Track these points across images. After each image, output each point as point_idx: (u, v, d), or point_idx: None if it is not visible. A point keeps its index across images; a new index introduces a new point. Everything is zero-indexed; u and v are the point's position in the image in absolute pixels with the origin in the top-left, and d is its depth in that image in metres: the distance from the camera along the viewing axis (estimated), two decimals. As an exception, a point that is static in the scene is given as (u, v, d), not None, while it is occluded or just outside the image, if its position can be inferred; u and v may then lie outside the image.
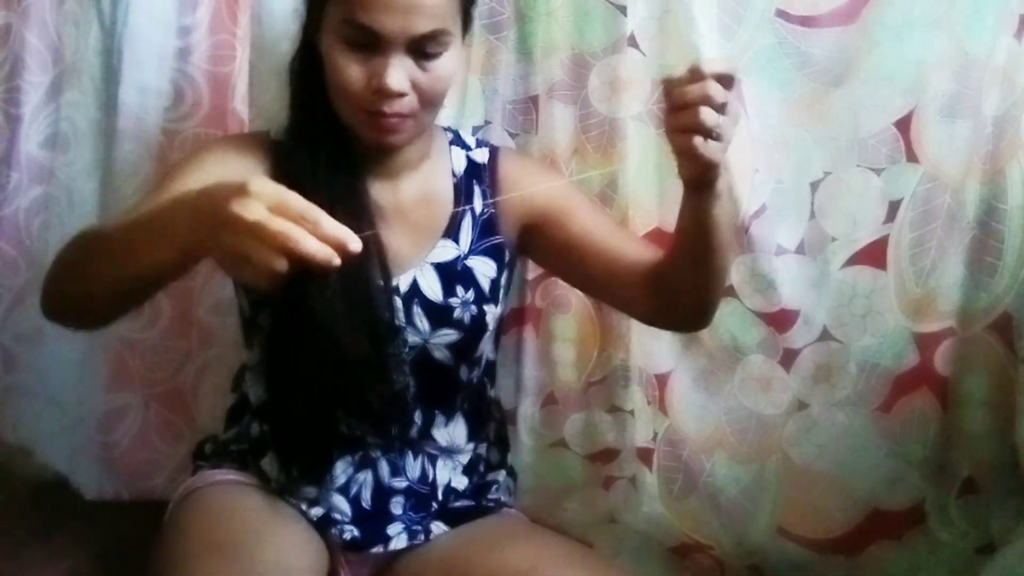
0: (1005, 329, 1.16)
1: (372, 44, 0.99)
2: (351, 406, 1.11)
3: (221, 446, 1.23)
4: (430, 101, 1.05)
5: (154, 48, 1.35)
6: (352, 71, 1.01)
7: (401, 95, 1.01)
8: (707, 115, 0.86)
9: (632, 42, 1.21)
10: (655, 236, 1.26)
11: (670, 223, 1.24)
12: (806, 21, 1.17)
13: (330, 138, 1.07)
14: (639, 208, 1.26)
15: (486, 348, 1.21)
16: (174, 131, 1.37)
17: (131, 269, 0.86)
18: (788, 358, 1.24)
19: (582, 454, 1.37)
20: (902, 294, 1.19)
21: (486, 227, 1.17)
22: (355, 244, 0.76)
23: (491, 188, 1.19)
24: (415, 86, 1.02)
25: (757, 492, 1.28)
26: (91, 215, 1.44)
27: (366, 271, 1.07)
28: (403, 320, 1.12)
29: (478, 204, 1.17)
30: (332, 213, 1.02)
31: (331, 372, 1.06)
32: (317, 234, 0.75)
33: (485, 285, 1.17)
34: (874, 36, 1.15)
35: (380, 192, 1.12)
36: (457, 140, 1.22)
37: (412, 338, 1.12)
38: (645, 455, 1.32)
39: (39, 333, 1.50)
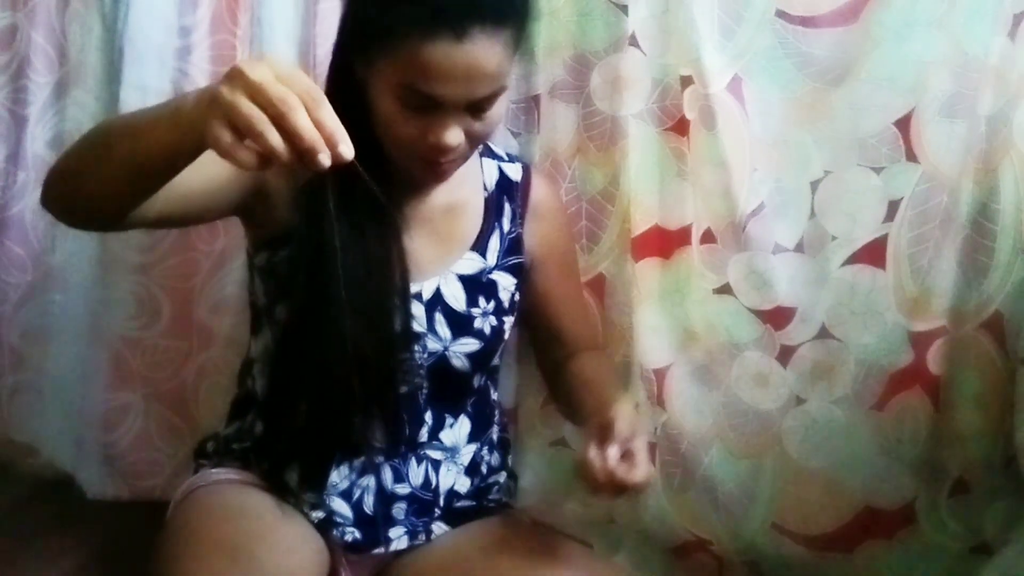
0: (997, 328, 1.16)
1: (430, 107, 0.98)
2: (357, 406, 1.10)
3: (223, 443, 1.22)
4: (482, 142, 1.08)
5: (155, 48, 1.36)
6: (407, 127, 1.00)
7: (458, 148, 1.02)
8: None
9: (633, 41, 1.22)
10: (654, 233, 1.27)
11: (669, 220, 1.27)
12: (806, 21, 1.18)
13: (361, 149, 1.07)
14: (639, 205, 1.26)
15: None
16: (176, 130, 1.38)
17: (133, 148, 0.84)
18: (785, 354, 1.24)
19: (582, 452, 1.36)
20: (900, 293, 1.19)
21: (512, 246, 1.19)
22: (346, 147, 0.74)
23: (522, 209, 1.20)
24: (468, 134, 1.02)
25: (753, 487, 1.28)
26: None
27: (386, 274, 1.08)
28: (425, 327, 1.12)
29: (507, 222, 1.19)
30: (360, 219, 1.05)
31: (341, 371, 1.05)
32: (314, 116, 0.73)
33: (505, 298, 1.17)
34: (874, 36, 1.15)
35: (408, 201, 1.13)
36: (488, 151, 1.22)
37: (432, 345, 1.12)
38: (649, 450, 1.31)
39: (45, 332, 1.52)
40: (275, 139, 0.72)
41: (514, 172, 1.22)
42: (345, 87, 1.05)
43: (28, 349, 1.53)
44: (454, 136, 1.00)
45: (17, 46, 1.46)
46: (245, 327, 1.26)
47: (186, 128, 0.79)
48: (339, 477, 1.14)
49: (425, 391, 1.14)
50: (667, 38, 1.22)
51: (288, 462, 1.13)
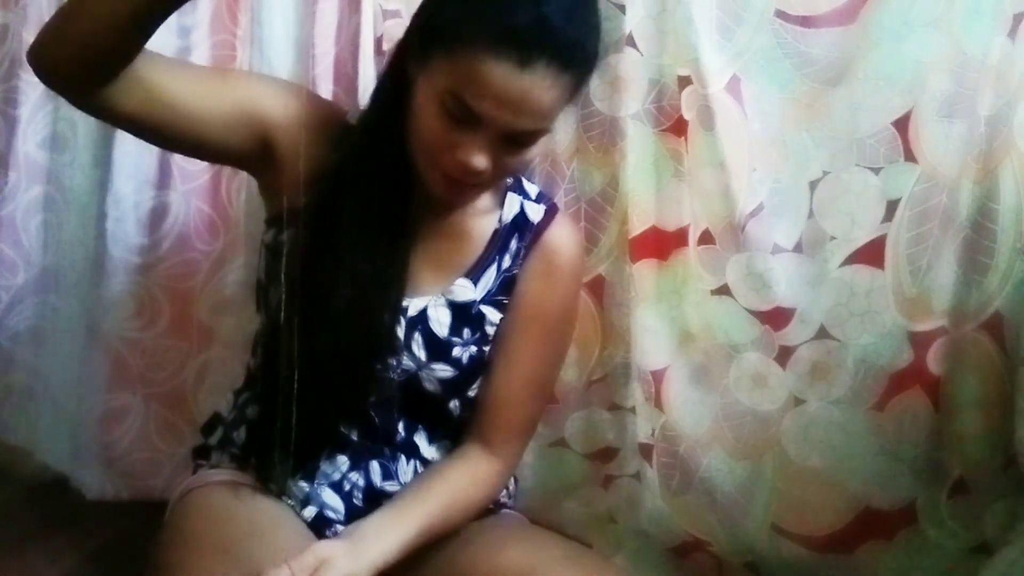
0: (996, 329, 1.16)
1: (470, 121, 0.97)
2: (329, 402, 1.11)
3: (224, 433, 1.22)
4: (507, 176, 1.07)
5: (155, 47, 1.32)
6: (440, 136, 0.99)
7: (482, 173, 1.00)
8: None
9: (630, 41, 1.21)
10: (651, 234, 1.27)
11: (666, 221, 1.27)
12: (805, 21, 1.17)
13: (395, 156, 1.06)
14: (636, 206, 1.26)
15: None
16: (174, 130, 1.37)
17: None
18: (784, 355, 1.24)
19: (582, 453, 1.37)
20: (899, 293, 1.19)
21: (505, 284, 1.16)
22: None
23: (527, 249, 1.17)
24: (496, 164, 1.00)
25: (752, 488, 1.28)
26: (90, 215, 1.44)
27: (385, 285, 1.08)
28: (401, 344, 1.11)
29: (507, 259, 1.16)
30: (375, 223, 1.06)
31: (316, 366, 1.06)
32: None
33: (490, 330, 1.16)
34: (873, 36, 1.15)
35: (422, 215, 1.12)
36: (517, 187, 1.19)
37: (406, 363, 1.12)
38: (646, 451, 1.32)
39: (38, 333, 1.52)
40: None
41: (534, 212, 1.18)
42: (394, 83, 1.05)
43: (20, 351, 1.53)
44: (481, 160, 0.99)
45: (8, 46, 1.45)
46: (245, 327, 1.26)
47: None
48: (331, 468, 1.15)
49: (397, 401, 1.13)
50: (664, 38, 1.21)
51: (277, 444, 1.13)
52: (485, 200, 1.15)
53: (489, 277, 1.15)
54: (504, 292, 1.16)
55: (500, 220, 1.17)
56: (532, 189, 1.21)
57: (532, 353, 1.17)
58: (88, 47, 0.91)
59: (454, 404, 1.17)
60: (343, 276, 1.05)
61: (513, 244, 1.16)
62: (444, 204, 1.10)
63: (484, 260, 1.15)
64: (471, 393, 1.17)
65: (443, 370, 1.13)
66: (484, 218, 1.16)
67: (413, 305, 1.12)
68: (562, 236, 1.18)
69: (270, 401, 1.09)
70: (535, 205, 1.18)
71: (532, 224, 1.17)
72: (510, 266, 1.16)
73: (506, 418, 1.17)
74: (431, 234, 1.13)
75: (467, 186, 1.03)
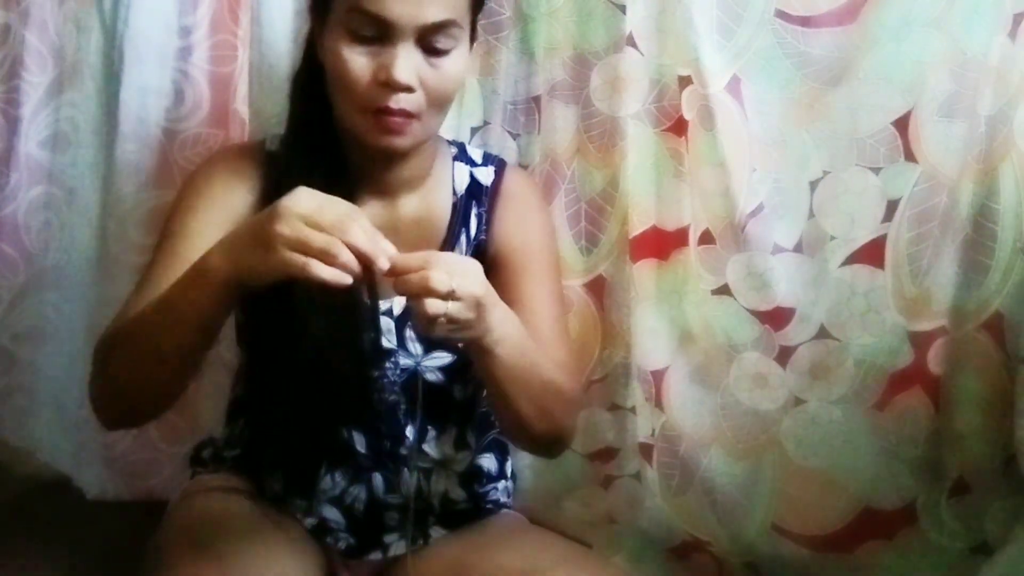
0: (997, 329, 1.16)
1: (380, 35, 0.98)
2: (333, 420, 1.11)
3: (218, 450, 1.22)
4: (437, 102, 1.03)
5: (155, 48, 1.35)
6: (358, 64, 0.99)
7: (409, 89, 0.99)
8: (431, 306, 0.87)
9: (630, 41, 1.22)
10: (652, 234, 1.27)
11: (667, 221, 1.27)
12: (805, 21, 1.17)
13: (327, 153, 1.06)
14: (636, 206, 1.26)
15: None
16: (175, 131, 1.37)
17: (175, 335, 0.89)
18: (784, 355, 1.24)
19: (582, 453, 1.36)
20: (899, 293, 1.19)
21: (477, 252, 1.16)
22: (382, 262, 0.82)
23: (488, 212, 1.17)
24: (423, 84, 1.00)
25: (752, 488, 1.28)
26: (91, 215, 1.44)
27: (355, 291, 1.06)
28: (395, 343, 1.11)
29: (473, 228, 1.16)
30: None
31: (312, 387, 1.06)
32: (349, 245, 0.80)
33: None
34: (873, 36, 1.15)
35: (376, 210, 1.10)
36: (462, 155, 1.20)
37: (404, 361, 1.11)
38: (646, 451, 1.32)
39: (39, 333, 1.51)
40: (347, 255, 0.80)
41: (485, 176, 1.19)
42: (312, 77, 1.06)
43: (21, 351, 1.52)
44: (405, 70, 0.98)
45: (10, 45, 1.45)
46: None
47: (231, 282, 0.86)
48: (329, 484, 1.14)
49: (403, 407, 1.12)
50: (664, 38, 1.22)
51: (275, 469, 1.13)
52: (434, 178, 1.15)
53: (461, 250, 1.15)
54: (479, 260, 1.13)
55: (455, 192, 1.16)
56: (476, 154, 1.21)
57: (544, 292, 1.16)
58: (156, 396, 0.96)
59: (458, 389, 1.16)
60: (311, 302, 1.03)
61: (473, 211, 1.16)
62: (385, 149, 1.05)
63: (452, 237, 1.15)
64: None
65: (442, 357, 1.12)
66: (438, 196, 1.15)
67: (396, 303, 1.10)
68: (515, 183, 1.20)
69: (270, 422, 1.11)
70: (484, 169, 1.19)
71: (486, 187, 1.17)
72: (477, 233, 1.16)
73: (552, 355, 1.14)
74: (392, 227, 1.09)
75: (400, 116, 1.01)
